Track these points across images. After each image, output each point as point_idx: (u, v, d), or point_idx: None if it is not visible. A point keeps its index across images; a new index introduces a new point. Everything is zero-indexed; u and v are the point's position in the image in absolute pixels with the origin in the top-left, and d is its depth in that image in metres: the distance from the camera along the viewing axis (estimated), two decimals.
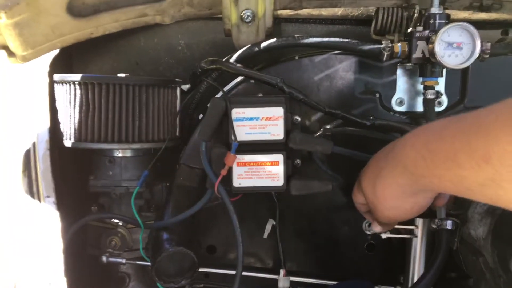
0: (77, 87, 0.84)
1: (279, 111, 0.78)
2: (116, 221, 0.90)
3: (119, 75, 0.88)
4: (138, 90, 0.85)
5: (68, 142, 0.86)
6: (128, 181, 0.90)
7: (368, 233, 0.90)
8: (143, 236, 0.87)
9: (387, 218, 0.73)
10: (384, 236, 0.85)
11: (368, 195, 0.73)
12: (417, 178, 0.61)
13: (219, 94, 0.85)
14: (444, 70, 0.86)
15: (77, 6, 0.78)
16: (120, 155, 0.90)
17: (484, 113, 0.49)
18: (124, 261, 0.90)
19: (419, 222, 0.84)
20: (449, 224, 0.77)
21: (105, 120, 0.84)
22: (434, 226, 0.78)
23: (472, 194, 0.52)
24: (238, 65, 0.85)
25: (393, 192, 0.67)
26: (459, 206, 0.81)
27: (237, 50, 0.91)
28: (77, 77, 0.83)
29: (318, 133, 0.88)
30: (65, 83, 0.85)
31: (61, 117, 0.87)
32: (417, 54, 0.84)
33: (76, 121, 0.84)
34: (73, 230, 0.83)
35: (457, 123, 0.54)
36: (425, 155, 0.57)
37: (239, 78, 0.90)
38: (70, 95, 0.85)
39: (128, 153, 0.90)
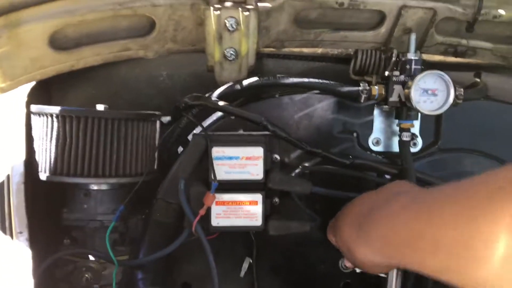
0: (55, 119, 0.82)
1: (259, 151, 0.78)
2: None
3: (98, 106, 0.87)
4: (117, 124, 0.84)
5: (43, 175, 0.84)
6: (103, 215, 0.88)
7: (344, 271, 0.90)
8: (117, 271, 0.85)
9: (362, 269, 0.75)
10: (358, 270, 0.85)
11: (345, 253, 0.74)
12: (382, 256, 0.65)
13: (198, 129, 0.85)
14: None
15: (59, 39, 0.78)
16: (95, 188, 0.88)
17: (441, 195, 0.52)
18: None
19: None
20: None
21: (82, 154, 0.82)
22: None
23: (433, 276, 0.54)
24: (222, 102, 0.85)
25: (369, 263, 0.70)
26: None
27: (219, 84, 0.92)
28: (55, 109, 0.82)
29: (297, 171, 0.89)
30: (43, 115, 0.83)
31: (37, 149, 0.85)
32: (393, 98, 0.86)
33: (52, 153, 0.83)
34: (44, 266, 0.81)
35: (417, 207, 0.57)
36: (387, 234, 0.61)
37: (220, 113, 0.90)
38: (47, 127, 0.83)
39: (104, 186, 0.89)
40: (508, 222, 0.42)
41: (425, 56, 1.01)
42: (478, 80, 1.05)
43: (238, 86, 0.88)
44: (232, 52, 0.85)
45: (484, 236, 0.44)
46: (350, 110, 0.93)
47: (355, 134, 0.94)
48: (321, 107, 0.93)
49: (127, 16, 0.79)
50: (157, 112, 0.92)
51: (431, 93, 0.82)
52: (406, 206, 0.59)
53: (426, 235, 0.50)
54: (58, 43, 0.78)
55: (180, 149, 0.96)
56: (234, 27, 0.80)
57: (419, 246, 0.52)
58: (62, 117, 0.82)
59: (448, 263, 0.48)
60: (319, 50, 1.05)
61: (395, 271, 0.85)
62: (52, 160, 0.83)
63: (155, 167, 0.92)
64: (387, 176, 0.90)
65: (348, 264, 0.81)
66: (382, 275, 0.86)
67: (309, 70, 1.10)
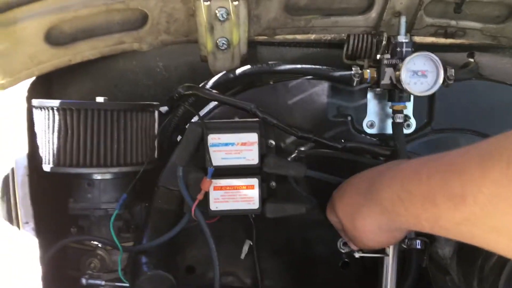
0: (56, 112, 0.85)
1: (253, 137, 0.80)
2: (96, 243, 0.92)
3: (98, 99, 0.90)
4: (116, 115, 0.87)
5: (47, 167, 0.87)
6: (107, 204, 0.91)
7: (343, 251, 0.93)
8: (122, 258, 0.88)
9: (364, 246, 0.77)
10: (357, 255, 0.87)
11: (346, 226, 0.76)
12: (394, 218, 0.64)
13: (196, 118, 0.88)
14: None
15: (55, 35, 0.80)
16: (99, 178, 0.91)
17: (458, 154, 0.52)
18: (103, 283, 0.91)
19: None
20: (418, 244, 0.81)
21: (84, 145, 0.85)
22: (404, 246, 0.82)
23: (447, 232, 0.55)
24: (214, 91, 0.88)
25: (372, 229, 0.71)
26: None
27: (213, 74, 0.94)
28: (55, 103, 0.85)
29: (293, 155, 0.91)
30: (44, 109, 0.86)
31: (39, 142, 0.88)
32: (385, 81, 0.88)
33: (55, 146, 0.86)
34: (52, 252, 0.84)
35: (433, 164, 0.56)
36: (402, 195, 0.59)
37: (216, 102, 0.92)
38: (48, 120, 0.86)
39: (107, 176, 0.92)
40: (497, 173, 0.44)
41: (418, 39, 1.03)
42: (471, 60, 1.06)
43: (231, 75, 0.90)
44: (224, 42, 0.87)
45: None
46: (344, 94, 0.95)
47: (349, 118, 0.95)
48: (315, 92, 0.94)
49: (120, 10, 0.82)
50: (155, 103, 0.95)
51: (421, 75, 0.84)
52: (422, 164, 0.58)
53: (454, 186, 0.49)
54: (54, 38, 0.81)
55: (180, 137, 0.98)
56: (225, 17, 0.81)
57: (442, 199, 0.51)
58: (63, 110, 0.85)
59: (472, 216, 0.47)
60: (313, 36, 1.06)
61: (391, 250, 0.88)
62: (55, 152, 0.86)
63: (156, 155, 0.95)
64: (381, 158, 0.92)
65: (352, 246, 0.83)
66: (377, 255, 0.89)
67: (303, 56, 1.11)
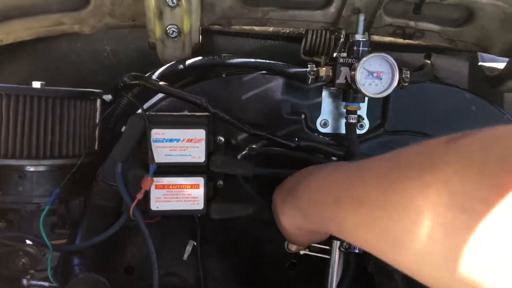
0: None
1: (200, 133, 0.76)
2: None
3: (34, 83, 0.82)
4: (52, 103, 0.79)
5: None
6: (40, 198, 0.84)
7: (290, 252, 0.90)
8: (53, 256, 0.82)
9: (291, 241, 0.80)
10: (302, 252, 0.86)
11: (276, 220, 0.77)
12: (307, 218, 0.66)
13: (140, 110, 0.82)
14: None
15: None
16: (31, 169, 0.84)
17: (373, 160, 0.54)
18: (47, 284, 0.84)
19: (334, 243, 0.85)
20: (356, 248, 0.81)
21: (13, 135, 0.78)
22: (343, 250, 0.81)
23: (349, 237, 0.57)
24: (162, 82, 0.82)
25: (292, 227, 0.73)
26: None
27: (162, 63, 0.89)
28: None
29: (244, 152, 0.88)
30: None
31: None
32: (340, 80, 0.85)
33: None
34: None
35: (348, 167, 0.59)
36: (312, 195, 0.63)
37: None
38: None
39: (41, 168, 0.84)
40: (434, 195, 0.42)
41: (376, 38, 1.01)
42: (428, 61, 1.05)
43: (180, 66, 0.84)
44: (174, 29, 0.81)
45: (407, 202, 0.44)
46: (299, 91, 0.92)
47: (303, 116, 0.92)
48: (270, 88, 0.91)
49: None
50: (97, 90, 0.88)
51: (376, 76, 0.82)
52: (336, 168, 0.63)
53: (357, 189, 0.51)
54: None
55: (124, 129, 0.92)
56: (175, 2, 0.76)
57: (345, 200, 0.53)
58: None
59: (367, 218, 0.49)
60: (271, 29, 1.03)
61: (337, 252, 0.86)
62: None
63: (96, 147, 0.88)
64: (334, 158, 0.90)
65: (292, 248, 0.83)
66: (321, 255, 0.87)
67: (261, 48, 1.07)
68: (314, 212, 0.63)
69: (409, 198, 0.42)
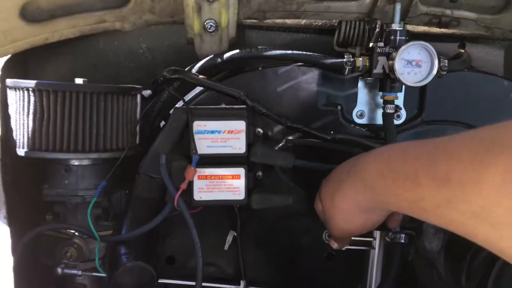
0: (31, 93, 0.80)
1: (241, 125, 0.77)
2: (72, 231, 0.88)
3: (77, 80, 0.85)
4: (96, 98, 0.82)
5: (21, 151, 0.82)
6: (84, 191, 0.87)
7: (328, 242, 0.91)
8: (100, 247, 0.85)
9: (340, 230, 0.74)
10: (343, 248, 0.86)
11: (325, 205, 0.74)
12: (374, 195, 0.62)
13: (181, 103, 0.84)
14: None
15: (31, 11, 0.75)
16: (76, 163, 0.87)
17: (448, 138, 0.51)
18: (80, 272, 0.87)
19: (377, 234, 0.86)
20: (402, 238, 0.80)
21: (61, 129, 0.81)
22: (388, 240, 0.81)
23: (426, 215, 0.54)
24: (201, 76, 0.84)
25: (350, 206, 0.69)
26: (415, 218, 0.84)
27: (200, 58, 0.90)
28: (31, 83, 0.80)
29: (281, 144, 0.88)
30: (19, 89, 0.81)
31: (13, 124, 0.83)
32: (377, 70, 0.85)
33: (30, 129, 0.81)
34: (25, 240, 0.80)
35: (421, 145, 0.55)
36: (385, 172, 0.58)
37: (202, 88, 0.88)
38: (23, 102, 0.81)
39: (85, 162, 0.87)
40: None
41: (409, 27, 1.00)
42: (462, 51, 1.04)
43: (218, 59, 0.86)
44: (212, 24, 0.82)
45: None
46: (334, 82, 0.92)
47: (339, 107, 0.93)
48: (305, 79, 0.91)
49: None
50: (137, 86, 0.90)
51: (415, 64, 0.81)
52: (410, 145, 0.58)
53: (439, 167, 0.48)
54: (30, 15, 0.75)
55: (163, 123, 0.94)
56: None
57: (425, 179, 0.50)
58: (38, 91, 0.80)
59: (453, 198, 0.47)
60: (303, 21, 1.03)
61: (377, 243, 0.86)
62: (30, 135, 0.81)
63: (137, 141, 0.91)
64: None
65: (334, 245, 0.81)
66: (363, 247, 0.87)
67: (293, 41, 1.08)
68: (384, 188, 0.59)
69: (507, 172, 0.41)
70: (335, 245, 0.80)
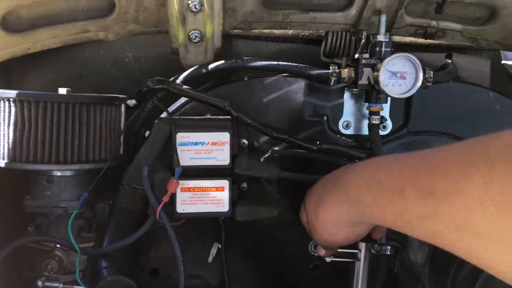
0: (12, 104, 0.79)
1: (225, 136, 0.76)
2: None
3: (60, 90, 0.84)
4: (78, 109, 0.81)
5: (1, 162, 0.81)
6: (67, 202, 0.86)
7: (314, 254, 0.90)
8: (81, 259, 0.84)
9: (324, 242, 0.74)
10: (328, 259, 0.85)
11: (309, 216, 0.73)
12: (358, 207, 0.62)
13: (165, 114, 0.83)
14: None
15: (12, 21, 0.74)
16: (59, 174, 0.86)
17: (434, 150, 0.51)
18: (61, 285, 0.86)
19: (362, 246, 0.85)
20: (387, 250, 0.80)
21: (42, 140, 0.79)
22: (373, 251, 0.80)
23: (410, 228, 0.53)
24: (185, 86, 0.83)
25: (333, 218, 0.68)
26: None
27: (185, 68, 0.90)
28: (11, 93, 0.78)
29: (267, 155, 0.88)
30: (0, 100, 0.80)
31: None
32: (363, 81, 0.85)
33: (11, 140, 0.80)
34: (5, 253, 0.79)
35: (407, 157, 0.55)
36: (371, 184, 0.58)
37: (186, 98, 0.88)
38: (4, 112, 0.80)
39: (68, 173, 0.86)
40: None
41: (396, 38, 1.01)
42: (449, 61, 1.05)
43: (203, 70, 0.85)
44: (197, 34, 0.82)
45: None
46: (321, 93, 0.92)
47: (325, 118, 0.92)
48: (291, 90, 0.91)
49: None
50: (121, 96, 0.90)
51: (399, 76, 0.81)
52: (396, 158, 0.57)
53: (425, 180, 0.49)
54: (11, 25, 0.74)
55: (148, 133, 0.93)
56: (198, 8, 0.77)
57: (411, 191, 0.50)
58: (19, 102, 0.79)
59: (438, 209, 0.47)
60: (290, 32, 1.03)
61: (362, 255, 0.86)
62: (11, 146, 0.80)
63: (121, 152, 0.90)
64: (357, 161, 0.89)
65: (321, 252, 0.81)
66: (348, 259, 0.86)
67: (280, 51, 1.08)
68: (369, 200, 0.58)
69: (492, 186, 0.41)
70: (322, 252, 0.79)
